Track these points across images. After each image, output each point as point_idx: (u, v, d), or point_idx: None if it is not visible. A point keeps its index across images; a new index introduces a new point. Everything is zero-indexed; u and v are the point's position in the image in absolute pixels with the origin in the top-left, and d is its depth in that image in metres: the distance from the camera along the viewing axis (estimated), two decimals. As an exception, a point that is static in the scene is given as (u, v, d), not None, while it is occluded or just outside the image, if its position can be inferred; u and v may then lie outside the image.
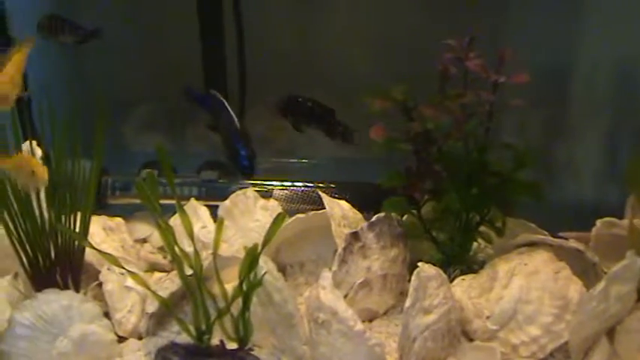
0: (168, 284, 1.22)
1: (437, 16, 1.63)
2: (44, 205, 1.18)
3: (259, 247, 1.08)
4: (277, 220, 1.12)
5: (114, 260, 1.09)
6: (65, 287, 1.20)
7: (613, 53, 1.60)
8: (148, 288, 1.12)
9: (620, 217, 1.36)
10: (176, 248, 1.10)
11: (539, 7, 1.59)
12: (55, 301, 1.14)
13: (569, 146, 1.72)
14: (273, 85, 1.70)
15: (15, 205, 1.16)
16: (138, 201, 1.51)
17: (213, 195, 1.54)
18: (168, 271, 1.39)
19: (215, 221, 1.42)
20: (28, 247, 1.19)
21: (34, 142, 1.28)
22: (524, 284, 1.17)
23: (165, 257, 1.45)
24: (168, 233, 1.08)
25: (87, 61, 1.78)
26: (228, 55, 1.64)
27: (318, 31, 1.66)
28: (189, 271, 1.12)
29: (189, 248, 1.13)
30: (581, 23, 1.61)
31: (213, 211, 1.45)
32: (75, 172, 1.17)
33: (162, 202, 1.12)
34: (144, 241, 1.53)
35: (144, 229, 1.54)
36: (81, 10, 1.72)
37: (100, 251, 1.09)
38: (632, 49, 1.58)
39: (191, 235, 1.11)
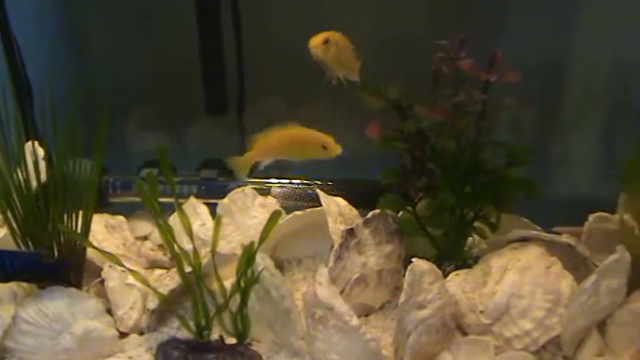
0: (168, 281, 1.24)
1: (439, 13, 1.64)
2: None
3: (256, 245, 1.10)
4: (273, 218, 1.14)
5: (115, 259, 1.11)
6: (68, 285, 1.22)
7: (609, 51, 1.62)
8: (149, 285, 1.15)
9: (614, 211, 1.38)
10: (176, 246, 1.12)
11: (537, 5, 1.61)
12: (58, 298, 1.17)
13: (565, 142, 1.73)
14: (272, 82, 1.71)
15: (18, 204, 1.18)
16: (138, 199, 1.55)
17: (213, 193, 1.56)
18: (168, 268, 1.42)
19: (214, 219, 1.45)
20: (31, 245, 1.21)
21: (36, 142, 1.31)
22: (517, 279, 1.19)
23: (165, 254, 1.48)
24: (167, 232, 1.11)
25: (86, 60, 1.79)
26: (226, 52, 1.65)
27: (319, 27, 1.67)
28: (188, 269, 1.15)
29: (188, 246, 1.16)
30: (578, 21, 1.62)
31: (213, 208, 1.47)
32: (77, 172, 1.19)
33: (162, 200, 1.15)
34: (145, 238, 1.55)
35: (145, 226, 1.56)
36: (82, 9, 1.73)
37: (100, 250, 1.12)
38: (627, 47, 1.60)
39: (190, 233, 1.13)
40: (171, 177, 1.12)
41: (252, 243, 1.10)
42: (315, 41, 1.11)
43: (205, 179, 1.58)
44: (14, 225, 1.19)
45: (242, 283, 1.12)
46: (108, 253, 1.12)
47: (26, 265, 1.15)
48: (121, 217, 1.50)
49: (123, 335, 1.24)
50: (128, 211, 1.57)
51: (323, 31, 1.12)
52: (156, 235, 1.53)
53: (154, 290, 1.15)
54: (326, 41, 1.11)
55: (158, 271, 1.42)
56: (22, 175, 1.18)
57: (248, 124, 1.71)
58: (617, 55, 1.61)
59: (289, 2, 1.64)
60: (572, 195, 1.72)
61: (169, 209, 1.30)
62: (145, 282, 1.13)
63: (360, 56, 1.20)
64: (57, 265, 1.19)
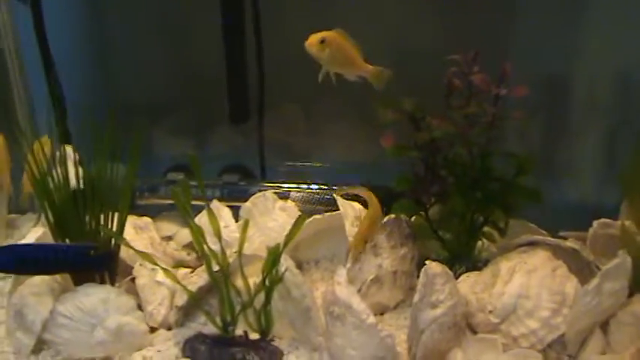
0: (195, 279, 1.31)
1: (450, 27, 1.71)
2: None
3: (281, 247, 1.18)
4: (298, 222, 1.22)
5: (149, 258, 1.19)
6: (102, 282, 1.30)
7: (612, 62, 1.69)
8: (179, 283, 1.22)
9: (618, 217, 1.44)
10: (205, 247, 1.20)
11: (545, 19, 1.67)
12: (93, 294, 1.24)
13: (571, 150, 1.80)
14: (292, 91, 1.78)
15: (58, 206, 1.26)
16: (164, 202, 1.63)
17: (235, 196, 1.63)
18: (192, 267, 1.49)
19: (236, 221, 1.52)
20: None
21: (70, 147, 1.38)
22: (525, 281, 1.26)
23: (189, 254, 1.54)
24: (198, 234, 1.18)
25: (113, 65, 1.86)
26: (248, 61, 1.72)
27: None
28: (215, 268, 1.22)
29: (214, 246, 1.23)
30: (582, 34, 1.69)
31: (235, 211, 1.54)
32: (113, 176, 1.27)
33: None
34: (169, 238, 1.62)
35: (169, 227, 1.64)
36: (109, 15, 1.81)
37: (135, 250, 1.19)
38: (629, 58, 1.66)
39: (219, 235, 1.21)
40: (201, 183, 1.20)
41: (277, 245, 1.17)
42: (312, 40, 1.16)
43: (227, 183, 1.66)
44: (54, 224, 1.26)
45: (267, 282, 1.19)
46: (143, 252, 1.20)
47: (73, 257, 1.22)
48: (147, 219, 1.57)
49: (152, 330, 1.31)
50: (153, 213, 1.64)
51: (324, 31, 1.18)
52: (180, 236, 1.60)
53: (184, 287, 1.23)
54: (322, 41, 1.16)
55: (182, 270, 1.48)
56: (61, 177, 1.26)
57: (267, 131, 1.78)
58: (623, 66, 1.68)
59: (309, 18, 1.71)
60: (579, 201, 1.79)
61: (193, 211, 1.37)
62: (175, 279, 1.20)
63: (370, 61, 1.25)
64: (102, 257, 1.27)
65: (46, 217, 1.26)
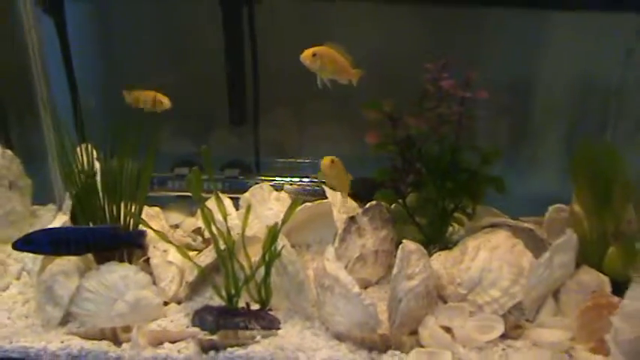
0: (203, 259, 1.48)
1: (425, 39, 1.90)
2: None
3: (279, 225, 1.36)
4: (293, 205, 1.40)
5: (165, 237, 1.37)
6: (121, 261, 1.46)
7: (570, 69, 1.88)
8: (191, 259, 1.40)
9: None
10: (213, 228, 1.38)
11: (511, 31, 1.87)
12: (115, 271, 1.40)
13: (533, 146, 1.99)
14: (283, 96, 1.96)
15: (83, 196, 1.43)
16: (172, 194, 1.81)
17: (235, 189, 1.81)
18: (198, 250, 1.64)
19: (237, 210, 1.71)
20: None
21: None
22: (488, 257, 1.44)
23: (194, 240, 1.71)
24: (208, 217, 1.36)
25: (123, 70, 2.00)
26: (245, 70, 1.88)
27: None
28: (221, 247, 1.39)
29: (221, 228, 1.40)
30: (544, 44, 1.89)
31: (235, 202, 1.72)
32: (131, 170, 1.45)
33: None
34: (176, 226, 1.78)
35: (176, 217, 1.81)
36: (114, 17, 1.95)
37: (155, 230, 1.37)
38: (583, 65, 1.87)
39: (225, 217, 1.39)
40: (211, 173, 1.38)
41: (275, 224, 1.36)
42: (305, 54, 1.37)
43: (228, 177, 1.84)
44: (79, 212, 1.44)
45: (266, 258, 1.37)
46: (160, 232, 1.37)
47: (104, 237, 1.39)
48: (157, 208, 1.73)
49: (164, 304, 1.46)
50: (162, 204, 1.79)
51: (316, 45, 1.38)
52: (186, 224, 1.77)
53: (195, 264, 1.41)
54: (314, 54, 1.37)
55: (189, 253, 1.65)
56: (85, 170, 1.44)
57: (263, 130, 1.96)
58: (579, 72, 1.88)
59: (301, 32, 1.89)
60: (540, 191, 1.98)
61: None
62: (187, 256, 1.38)
63: (358, 66, 1.43)
64: (132, 235, 1.44)
65: (73, 202, 1.43)
